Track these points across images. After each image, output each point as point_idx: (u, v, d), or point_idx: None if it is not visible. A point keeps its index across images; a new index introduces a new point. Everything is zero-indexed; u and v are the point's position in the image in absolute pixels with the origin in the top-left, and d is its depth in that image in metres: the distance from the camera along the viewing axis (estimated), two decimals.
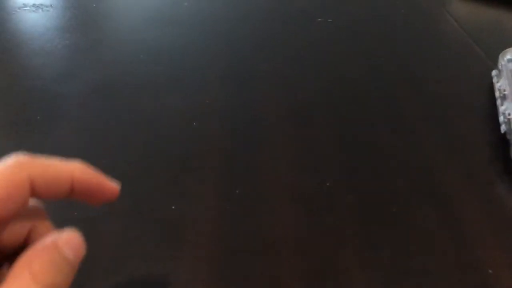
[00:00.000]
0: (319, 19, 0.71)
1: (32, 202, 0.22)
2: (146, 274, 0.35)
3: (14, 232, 0.22)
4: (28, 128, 0.48)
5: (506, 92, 0.50)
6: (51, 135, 0.47)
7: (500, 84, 0.52)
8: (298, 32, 0.68)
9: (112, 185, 0.24)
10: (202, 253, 0.37)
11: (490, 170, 0.46)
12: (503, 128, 0.47)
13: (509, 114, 0.47)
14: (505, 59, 0.54)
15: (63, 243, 0.21)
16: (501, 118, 0.49)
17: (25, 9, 0.70)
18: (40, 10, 0.70)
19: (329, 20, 0.71)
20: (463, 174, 0.45)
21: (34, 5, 0.71)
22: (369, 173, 0.45)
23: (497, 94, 0.52)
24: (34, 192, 0.21)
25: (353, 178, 0.44)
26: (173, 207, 0.40)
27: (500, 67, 0.55)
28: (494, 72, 0.56)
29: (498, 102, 0.51)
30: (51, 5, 0.72)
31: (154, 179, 0.43)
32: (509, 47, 0.57)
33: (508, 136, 0.47)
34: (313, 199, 0.42)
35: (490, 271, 0.36)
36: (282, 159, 0.46)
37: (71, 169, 0.22)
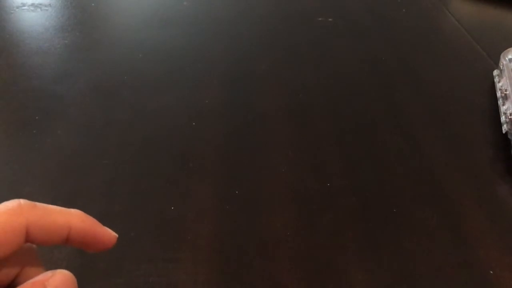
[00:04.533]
0: (320, 18, 0.71)
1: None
2: (145, 274, 0.34)
3: (4, 271, 0.22)
4: (27, 128, 0.48)
5: (507, 92, 0.50)
6: (50, 135, 0.47)
7: (502, 84, 0.52)
8: (298, 32, 0.68)
9: (108, 234, 0.24)
10: (201, 253, 0.36)
11: (491, 170, 0.46)
12: (504, 128, 0.47)
13: (510, 114, 0.47)
14: (507, 58, 0.54)
15: (52, 284, 0.21)
16: (502, 118, 0.48)
17: (24, 8, 0.70)
18: (39, 10, 0.70)
19: (330, 19, 0.71)
20: (464, 174, 0.45)
21: (32, 4, 0.71)
22: (370, 174, 0.44)
23: (498, 94, 0.52)
24: (29, 238, 0.21)
25: (353, 178, 0.44)
26: (172, 208, 0.40)
27: (501, 66, 0.55)
28: (495, 72, 0.56)
29: (500, 102, 0.51)
30: (49, 4, 0.72)
31: (153, 179, 0.43)
32: (510, 46, 0.56)
33: (509, 136, 0.46)
34: (314, 199, 0.41)
35: (491, 272, 0.36)
36: (282, 159, 0.45)
37: (69, 219, 0.22)
